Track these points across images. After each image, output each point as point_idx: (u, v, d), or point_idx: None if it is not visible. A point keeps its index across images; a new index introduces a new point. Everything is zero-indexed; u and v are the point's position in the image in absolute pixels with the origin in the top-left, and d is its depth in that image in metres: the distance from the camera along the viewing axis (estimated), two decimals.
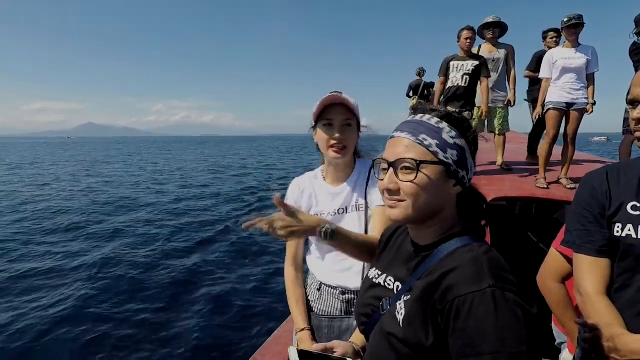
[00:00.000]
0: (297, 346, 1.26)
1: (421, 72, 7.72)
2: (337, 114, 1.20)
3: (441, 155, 0.73)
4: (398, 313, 0.74)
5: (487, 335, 0.62)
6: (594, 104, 3.49)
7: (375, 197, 1.26)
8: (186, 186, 15.06)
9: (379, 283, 0.86)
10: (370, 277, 0.91)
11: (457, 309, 0.65)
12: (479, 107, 3.70)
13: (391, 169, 0.75)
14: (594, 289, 0.97)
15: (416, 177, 0.72)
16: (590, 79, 3.46)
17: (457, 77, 3.58)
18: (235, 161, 30.08)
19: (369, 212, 1.26)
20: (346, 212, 1.28)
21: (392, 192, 0.75)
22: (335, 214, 1.28)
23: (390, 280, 0.84)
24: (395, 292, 0.80)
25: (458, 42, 3.64)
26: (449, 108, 0.80)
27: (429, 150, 0.73)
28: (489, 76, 3.79)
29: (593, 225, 1.00)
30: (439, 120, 0.76)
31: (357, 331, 0.99)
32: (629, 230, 0.93)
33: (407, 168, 0.73)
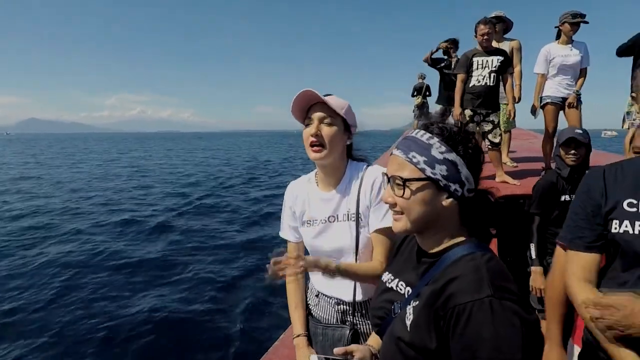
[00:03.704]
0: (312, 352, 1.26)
1: (423, 77, 8.85)
2: (314, 111, 1.18)
3: (428, 172, 0.78)
4: (407, 318, 0.80)
5: (484, 342, 0.67)
6: (579, 94, 3.57)
7: (369, 208, 1.20)
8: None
9: (392, 287, 0.93)
10: (384, 281, 0.97)
11: (457, 316, 0.70)
12: (505, 104, 3.55)
13: (389, 184, 0.83)
14: (579, 283, 1.00)
15: (404, 193, 0.79)
16: (582, 73, 3.58)
17: (484, 74, 3.30)
18: None
19: (361, 222, 1.21)
20: (337, 220, 1.25)
21: (392, 205, 0.83)
22: (326, 221, 1.26)
23: (401, 284, 0.90)
24: (406, 296, 0.87)
25: (475, 37, 3.41)
26: (449, 121, 0.85)
27: (417, 168, 0.79)
28: (512, 72, 3.64)
29: (584, 222, 1.02)
30: (430, 136, 0.81)
31: (373, 334, 1.01)
32: (626, 226, 0.94)
33: (397, 185, 0.80)
